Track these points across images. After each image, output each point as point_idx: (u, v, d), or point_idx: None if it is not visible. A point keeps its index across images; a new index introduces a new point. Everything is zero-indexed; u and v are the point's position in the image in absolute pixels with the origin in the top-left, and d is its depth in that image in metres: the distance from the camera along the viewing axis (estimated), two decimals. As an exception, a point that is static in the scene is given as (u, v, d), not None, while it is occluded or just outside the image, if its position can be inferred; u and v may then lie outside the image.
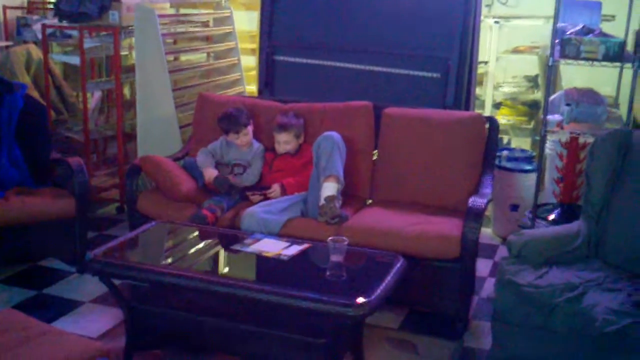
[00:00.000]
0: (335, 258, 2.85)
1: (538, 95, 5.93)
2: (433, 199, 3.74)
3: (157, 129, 4.89)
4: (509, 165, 4.60)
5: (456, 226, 3.33)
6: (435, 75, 4.43)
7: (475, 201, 3.34)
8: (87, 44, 4.96)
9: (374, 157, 3.98)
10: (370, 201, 3.95)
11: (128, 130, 5.29)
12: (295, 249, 3.01)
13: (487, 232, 4.64)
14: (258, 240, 3.12)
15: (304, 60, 4.83)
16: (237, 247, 3.04)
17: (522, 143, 5.78)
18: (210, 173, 3.82)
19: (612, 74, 4.74)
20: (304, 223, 3.53)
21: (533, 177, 4.53)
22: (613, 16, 4.94)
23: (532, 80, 6.01)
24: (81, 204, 3.85)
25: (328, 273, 2.81)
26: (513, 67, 5.99)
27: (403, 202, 3.77)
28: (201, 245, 3.21)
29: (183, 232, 3.39)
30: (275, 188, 3.75)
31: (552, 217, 4.15)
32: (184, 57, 5.97)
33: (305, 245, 3.06)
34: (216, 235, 3.36)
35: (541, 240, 3.05)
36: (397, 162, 3.86)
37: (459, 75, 4.42)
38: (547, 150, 4.57)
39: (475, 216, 3.26)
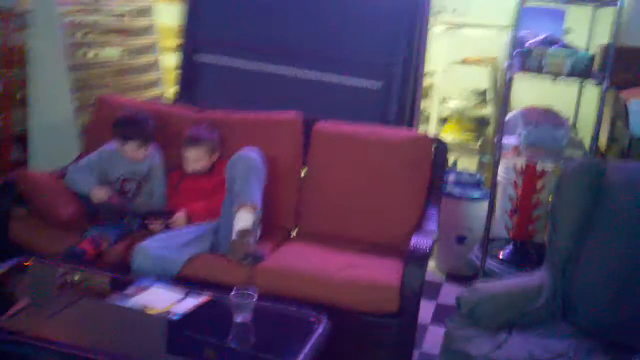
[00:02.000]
0: (239, 318, 2.22)
1: (487, 111, 5.45)
2: (368, 234, 3.14)
3: (53, 135, 4.17)
4: (455, 191, 4.05)
5: (395, 272, 2.74)
6: (376, 84, 3.85)
7: (419, 242, 2.74)
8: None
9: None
10: (295, 232, 3.33)
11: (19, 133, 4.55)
12: (190, 303, 2.36)
13: (429, 267, 4.07)
14: (146, 288, 2.46)
15: (230, 63, 4.18)
16: (113, 298, 2.36)
17: (467, 164, 5.27)
18: (103, 194, 3.14)
19: (569, 92, 4.27)
20: (210, 262, 2.88)
21: (482, 205, 4.00)
22: (569, 29, 4.46)
23: (481, 95, 5.52)
24: None
25: (229, 339, 2.18)
26: (461, 80, 5.48)
27: (333, 235, 3.17)
28: (67, 293, 2.50)
29: (51, 273, 2.69)
30: (179, 216, 3.10)
31: (502, 255, 3.62)
32: (94, 52, 5.24)
33: (204, 298, 2.41)
34: (94, 279, 2.66)
35: (498, 297, 2.47)
36: (327, 188, 3.25)
37: (403, 85, 3.85)
38: (498, 177, 4.05)
39: (419, 260, 2.68)
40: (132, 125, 3.25)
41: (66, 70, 4.08)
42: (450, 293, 3.78)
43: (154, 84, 5.13)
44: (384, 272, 2.77)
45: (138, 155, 3.25)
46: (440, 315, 3.52)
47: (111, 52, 5.23)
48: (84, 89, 4.49)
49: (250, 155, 3.01)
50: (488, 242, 3.54)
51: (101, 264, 2.90)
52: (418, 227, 3.01)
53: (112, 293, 2.41)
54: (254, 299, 2.23)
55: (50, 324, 2.27)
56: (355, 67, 3.88)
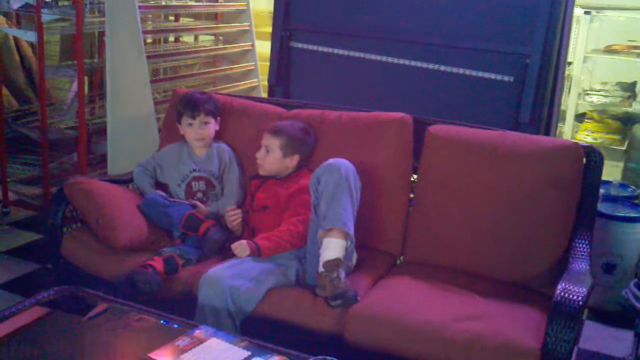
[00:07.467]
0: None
1: (636, 107, 4.65)
2: (497, 269, 2.44)
3: (132, 129, 3.75)
4: (604, 209, 3.25)
5: (533, 327, 2.05)
6: (507, 78, 3.15)
7: (568, 290, 2.01)
8: (47, 16, 3.80)
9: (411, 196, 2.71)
10: (400, 260, 2.68)
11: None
12: (255, 369, 1.77)
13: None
14: (202, 340, 1.89)
15: (330, 50, 3.60)
16: (158, 355, 1.80)
17: (610, 170, 4.48)
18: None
19: None
20: (293, 298, 2.29)
21: (638, 227, 3.22)
22: None
23: (629, 89, 4.71)
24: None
25: None
26: (603, 71, 4.88)
27: (449, 268, 2.50)
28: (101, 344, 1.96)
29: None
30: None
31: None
32: (186, 39, 4.80)
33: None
34: (143, 327, 2.06)
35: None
36: (444, 207, 2.56)
37: (540, 80, 3.13)
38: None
39: (569, 317, 1.96)
40: (187, 101, 2.85)
41: (143, 59, 3.61)
42: (594, 334, 3.09)
43: (248, 74, 4.63)
44: (517, 327, 2.07)
45: (194, 133, 2.82)
46: (583, 364, 2.82)
47: (202, 39, 4.79)
48: (168, 80, 4.06)
49: (340, 166, 2.36)
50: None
51: (165, 293, 2.39)
52: (564, 264, 2.29)
53: (161, 345, 1.85)
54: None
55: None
56: (481, 56, 3.22)
